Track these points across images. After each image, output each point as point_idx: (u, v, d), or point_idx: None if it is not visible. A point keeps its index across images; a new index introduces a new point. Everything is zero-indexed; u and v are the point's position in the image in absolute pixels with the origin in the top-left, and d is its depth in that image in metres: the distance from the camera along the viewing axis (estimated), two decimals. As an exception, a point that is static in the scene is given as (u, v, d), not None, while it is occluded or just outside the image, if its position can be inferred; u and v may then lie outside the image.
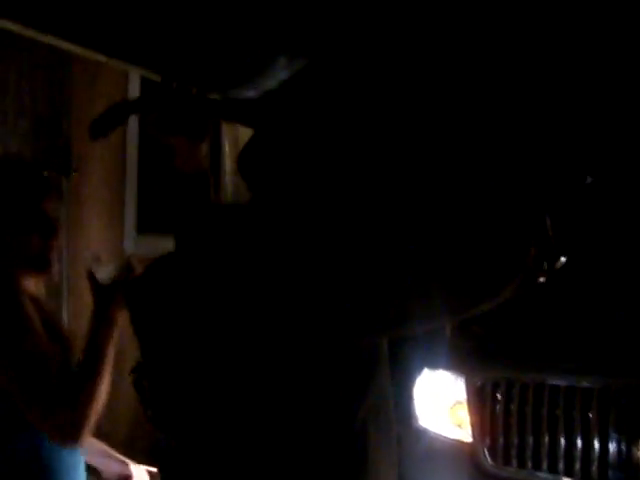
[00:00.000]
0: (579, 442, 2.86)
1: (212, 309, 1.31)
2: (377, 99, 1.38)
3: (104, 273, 1.86)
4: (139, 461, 2.07)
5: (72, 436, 1.69)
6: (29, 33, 2.91)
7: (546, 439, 2.93)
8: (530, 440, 2.97)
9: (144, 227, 4.31)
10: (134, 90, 4.13)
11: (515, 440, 3.01)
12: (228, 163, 4.62)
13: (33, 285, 1.87)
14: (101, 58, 3.08)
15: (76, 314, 3.81)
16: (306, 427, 1.23)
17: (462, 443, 3.18)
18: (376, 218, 1.27)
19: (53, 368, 1.70)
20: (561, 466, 2.89)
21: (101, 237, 4.02)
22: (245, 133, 4.62)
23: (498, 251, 1.14)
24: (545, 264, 1.17)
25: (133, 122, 3.94)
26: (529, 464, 2.97)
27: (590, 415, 2.85)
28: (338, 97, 1.39)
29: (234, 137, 4.72)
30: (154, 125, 1.56)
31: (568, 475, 2.89)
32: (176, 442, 1.39)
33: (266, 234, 1.31)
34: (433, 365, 3.32)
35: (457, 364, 3.28)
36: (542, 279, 1.19)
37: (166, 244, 1.57)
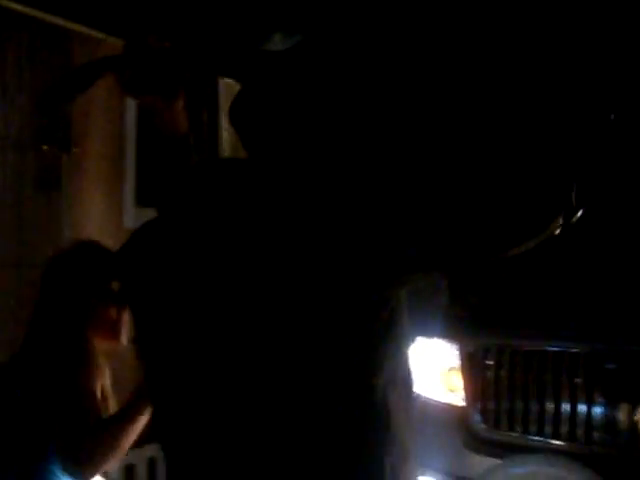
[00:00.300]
0: (566, 406, 2.97)
1: (217, 274, 1.22)
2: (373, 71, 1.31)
3: None
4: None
5: (85, 467, 1.97)
6: (29, 11, 2.96)
7: (535, 403, 3.04)
8: (519, 404, 3.08)
9: (143, 200, 4.37)
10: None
11: (505, 404, 3.12)
12: (225, 120, 4.66)
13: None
14: (100, 35, 3.12)
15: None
16: (327, 400, 1.17)
17: (454, 407, 3.29)
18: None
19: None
20: (549, 429, 3.00)
21: (101, 210, 4.08)
22: None
23: (544, 188, 1.11)
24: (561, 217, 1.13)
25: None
26: (518, 427, 3.09)
27: (577, 380, 2.96)
28: (332, 68, 1.31)
29: (231, 94, 4.75)
30: (127, 84, 1.51)
31: (555, 438, 3.00)
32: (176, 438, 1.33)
33: (270, 186, 1.22)
34: (428, 333, 3.41)
35: (452, 332, 3.38)
36: (557, 231, 1.16)
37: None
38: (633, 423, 2.86)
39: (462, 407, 3.25)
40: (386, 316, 1.18)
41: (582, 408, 2.94)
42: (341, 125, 1.24)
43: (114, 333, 2.21)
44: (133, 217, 4.31)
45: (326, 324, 1.15)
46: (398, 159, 1.20)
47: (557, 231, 1.16)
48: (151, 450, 3.72)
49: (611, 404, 2.91)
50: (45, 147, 3.79)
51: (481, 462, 3.10)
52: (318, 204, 1.17)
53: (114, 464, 2.13)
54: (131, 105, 4.24)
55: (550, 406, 3.01)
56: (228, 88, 4.58)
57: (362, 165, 1.21)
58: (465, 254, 1.16)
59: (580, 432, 2.94)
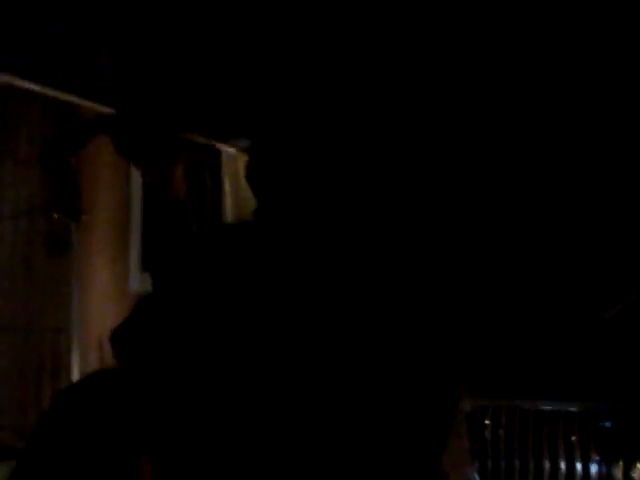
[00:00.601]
0: (563, 464, 3.02)
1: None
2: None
3: None
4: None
5: None
6: (39, 89, 3.11)
7: (532, 462, 3.09)
8: (517, 463, 3.13)
9: (149, 266, 4.46)
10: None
11: (503, 463, 3.17)
12: (229, 200, 4.77)
13: None
14: (109, 110, 3.25)
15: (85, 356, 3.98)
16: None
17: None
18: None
19: None
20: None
21: (108, 275, 4.18)
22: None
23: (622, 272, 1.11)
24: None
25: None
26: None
27: (573, 438, 3.02)
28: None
29: (234, 171, 4.87)
30: (121, 147, 1.44)
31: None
32: None
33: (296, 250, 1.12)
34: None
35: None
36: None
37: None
38: (629, 481, 2.91)
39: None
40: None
41: (579, 466, 2.99)
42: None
43: None
44: (138, 282, 4.40)
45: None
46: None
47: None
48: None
49: (607, 462, 2.96)
50: (56, 215, 3.93)
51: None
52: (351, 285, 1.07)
53: None
54: (137, 172, 4.37)
55: (547, 465, 3.06)
56: (230, 154, 4.72)
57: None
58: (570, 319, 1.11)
59: (577, 491, 2.99)
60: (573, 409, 3.06)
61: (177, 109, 1.53)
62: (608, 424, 2.99)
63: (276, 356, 1.06)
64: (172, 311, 1.22)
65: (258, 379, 1.07)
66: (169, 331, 1.19)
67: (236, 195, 4.78)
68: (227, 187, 4.80)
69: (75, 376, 3.95)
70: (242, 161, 4.75)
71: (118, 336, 1.27)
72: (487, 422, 3.24)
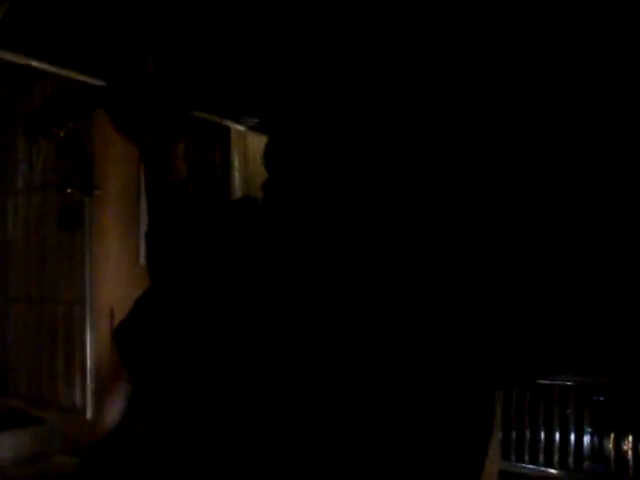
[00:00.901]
0: (557, 436, 3.14)
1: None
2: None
3: None
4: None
5: None
6: (51, 68, 3.18)
7: (527, 434, 3.21)
8: (513, 435, 3.24)
9: (147, 255, 4.54)
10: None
11: (499, 435, 3.28)
12: (237, 176, 4.84)
13: None
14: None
15: (99, 326, 4.09)
16: None
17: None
18: None
19: None
20: (542, 458, 3.17)
21: (119, 248, 4.28)
22: (254, 143, 4.87)
23: None
24: None
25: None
26: (513, 457, 3.25)
27: (567, 411, 3.13)
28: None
29: (243, 148, 4.94)
30: (117, 122, 1.31)
31: (548, 466, 3.16)
32: None
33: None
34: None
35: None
36: None
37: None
38: (621, 452, 3.01)
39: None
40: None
41: (572, 438, 3.11)
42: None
43: None
44: (149, 255, 4.49)
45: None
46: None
47: None
48: None
49: (600, 434, 3.06)
50: (69, 190, 4.02)
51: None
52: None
53: None
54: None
55: (542, 436, 3.17)
56: (239, 131, 4.78)
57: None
58: None
59: (571, 460, 3.10)
60: (568, 383, 3.16)
61: (181, 84, 1.43)
62: (601, 398, 3.09)
63: (278, 353, 1.05)
64: (170, 309, 1.20)
65: (259, 374, 1.06)
66: (167, 329, 1.18)
67: (245, 172, 4.85)
68: (236, 164, 4.87)
69: (88, 345, 4.06)
70: (250, 138, 4.82)
71: (119, 336, 1.23)
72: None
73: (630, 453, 3.01)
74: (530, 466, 3.18)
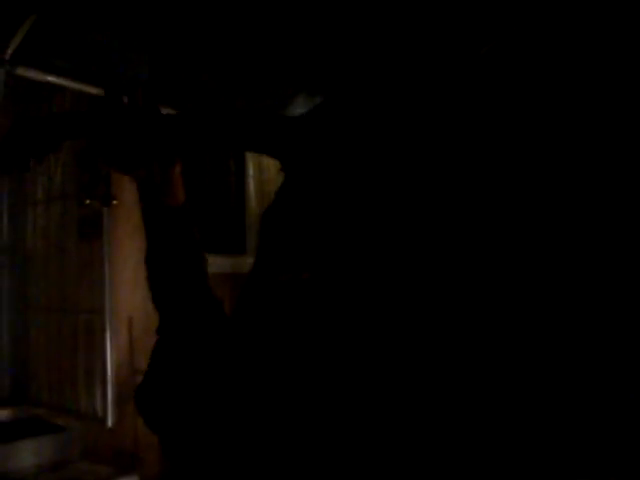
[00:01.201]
0: None
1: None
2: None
3: None
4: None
5: None
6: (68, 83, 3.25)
7: None
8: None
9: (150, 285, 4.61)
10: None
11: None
12: (252, 184, 4.89)
13: None
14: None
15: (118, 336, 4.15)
16: None
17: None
18: None
19: None
20: None
21: (137, 259, 4.33)
22: (271, 165, 4.91)
23: None
24: None
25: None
26: None
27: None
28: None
29: (257, 155, 4.97)
30: (106, 158, 1.19)
31: None
32: None
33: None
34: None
35: None
36: None
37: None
38: None
39: None
40: None
41: None
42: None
43: None
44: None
45: None
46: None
47: None
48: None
49: None
50: (88, 201, 4.05)
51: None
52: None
53: None
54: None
55: None
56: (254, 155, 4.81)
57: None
58: None
59: None
60: None
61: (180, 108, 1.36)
62: None
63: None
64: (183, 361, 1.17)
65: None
66: (185, 385, 1.14)
67: (259, 180, 4.90)
68: (251, 172, 4.92)
69: (108, 354, 4.12)
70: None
71: (140, 400, 1.20)
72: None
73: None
74: None
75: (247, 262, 4.58)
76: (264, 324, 1.07)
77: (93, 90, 3.31)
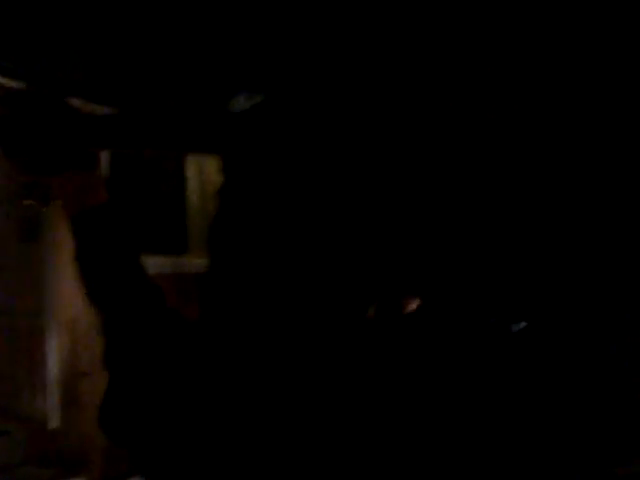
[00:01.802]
0: None
1: None
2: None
3: None
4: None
5: None
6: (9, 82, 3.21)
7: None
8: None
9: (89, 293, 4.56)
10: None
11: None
12: (192, 186, 4.89)
13: None
14: (74, 102, 3.31)
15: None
16: None
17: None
18: None
19: None
20: None
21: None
22: (211, 164, 4.92)
23: None
24: None
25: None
26: None
27: None
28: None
29: (198, 169, 4.97)
30: (23, 167, 1.16)
31: None
32: None
33: None
34: None
35: None
36: None
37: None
38: None
39: None
40: None
41: None
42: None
43: None
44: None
45: None
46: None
47: None
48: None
49: None
50: (26, 202, 4.05)
51: None
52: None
53: None
54: (104, 156, 4.48)
55: None
56: (194, 164, 4.81)
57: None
58: None
59: None
60: None
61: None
62: None
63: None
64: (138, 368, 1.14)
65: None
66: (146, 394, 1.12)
67: (200, 179, 4.91)
68: (190, 170, 4.91)
69: (50, 356, 4.10)
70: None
71: (103, 422, 1.17)
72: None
73: None
74: None
75: (188, 262, 4.59)
76: (232, 332, 1.06)
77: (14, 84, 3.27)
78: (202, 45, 3.20)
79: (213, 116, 1.29)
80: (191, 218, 4.87)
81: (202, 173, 4.92)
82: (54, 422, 4.12)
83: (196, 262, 4.53)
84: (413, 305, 1.21)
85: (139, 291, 1.26)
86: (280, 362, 1.02)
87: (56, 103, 1.16)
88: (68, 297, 4.15)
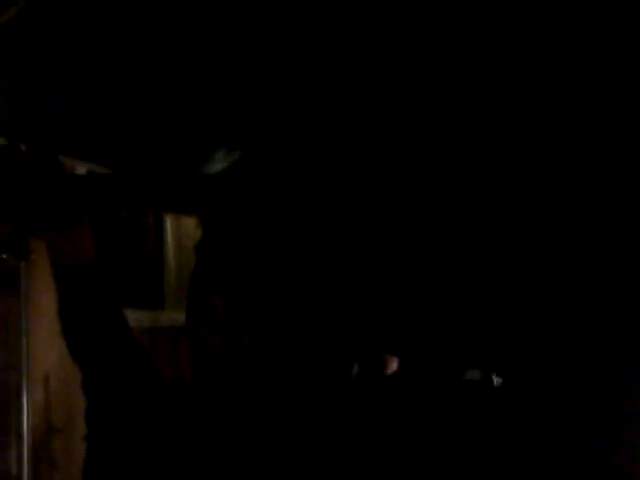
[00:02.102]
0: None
1: None
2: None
3: None
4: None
5: None
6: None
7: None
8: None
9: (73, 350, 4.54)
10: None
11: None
12: (170, 241, 4.91)
13: None
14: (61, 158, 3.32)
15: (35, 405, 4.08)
16: None
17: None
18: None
19: None
20: None
21: (54, 314, 4.29)
22: (189, 220, 4.94)
23: None
24: None
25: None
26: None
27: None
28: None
29: (177, 229, 5.00)
30: (15, 224, 1.17)
31: None
32: None
33: None
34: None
35: None
36: None
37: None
38: None
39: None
40: None
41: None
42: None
43: None
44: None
45: None
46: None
47: None
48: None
49: None
50: (4, 256, 4.06)
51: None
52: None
53: None
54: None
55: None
56: (173, 222, 4.85)
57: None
58: None
59: None
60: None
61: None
62: None
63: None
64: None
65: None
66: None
67: (177, 233, 4.93)
68: (168, 225, 4.94)
69: (24, 412, 4.05)
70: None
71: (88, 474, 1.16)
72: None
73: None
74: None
75: (165, 317, 4.58)
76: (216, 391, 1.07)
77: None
78: (182, 102, 3.25)
79: (191, 177, 1.28)
80: (168, 273, 4.87)
81: (180, 227, 4.94)
82: (25, 479, 4.06)
83: (173, 316, 4.53)
84: (394, 365, 1.23)
85: (123, 348, 1.26)
86: (264, 422, 1.02)
87: (45, 160, 1.18)
88: (43, 351, 4.12)
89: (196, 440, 1.03)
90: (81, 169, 4.15)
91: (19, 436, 4.05)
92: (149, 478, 1.06)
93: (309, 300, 1.04)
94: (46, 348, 4.13)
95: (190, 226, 4.68)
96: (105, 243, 1.28)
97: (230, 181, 1.19)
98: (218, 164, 3.23)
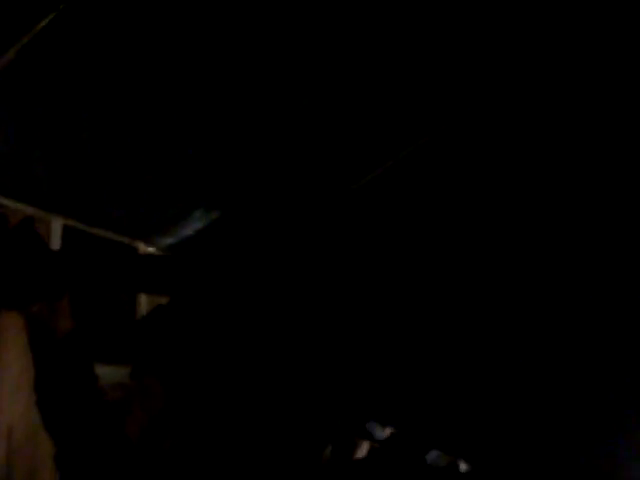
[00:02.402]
0: None
1: None
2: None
3: None
4: None
5: None
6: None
7: None
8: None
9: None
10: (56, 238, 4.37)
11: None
12: (144, 299, 4.87)
13: None
14: (26, 209, 3.27)
15: None
16: None
17: None
18: None
19: None
20: None
21: (17, 368, 4.22)
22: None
23: None
24: None
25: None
26: None
27: None
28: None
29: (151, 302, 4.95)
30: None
31: None
32: None
33: None
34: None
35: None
36: None
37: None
38: None
39: None
40: None
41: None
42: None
43: None
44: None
45: None
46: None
47: None
48: None
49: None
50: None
51: None
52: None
53: None
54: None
55: None
56: (148, 253, 4.84)
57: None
58: None
59: None
60: None
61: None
62: None
63: None
64: None
65: None
66: None
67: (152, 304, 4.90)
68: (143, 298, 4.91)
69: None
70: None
71: None
72: None
73: None
74: None
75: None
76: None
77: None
78: (162, 161, 3.27)
79: (162, 259, 1.26)
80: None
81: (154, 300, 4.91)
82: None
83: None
84: (364, 448, 1.24)
85: (98, 426, 1.29)
86: None
87: (27, 236, 1.16)
88: (6, 405, 4.04)
89: None
90: (57, 224, 4.12)
91: (-23, 492, 3.95)
92: None
93: (281, 384, 1.05)
94: (9, 401, 4.06)
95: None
96: (82, 315, 1.22)
97: (200, 263, 1.18)
98: (196, 222, 3.28)
